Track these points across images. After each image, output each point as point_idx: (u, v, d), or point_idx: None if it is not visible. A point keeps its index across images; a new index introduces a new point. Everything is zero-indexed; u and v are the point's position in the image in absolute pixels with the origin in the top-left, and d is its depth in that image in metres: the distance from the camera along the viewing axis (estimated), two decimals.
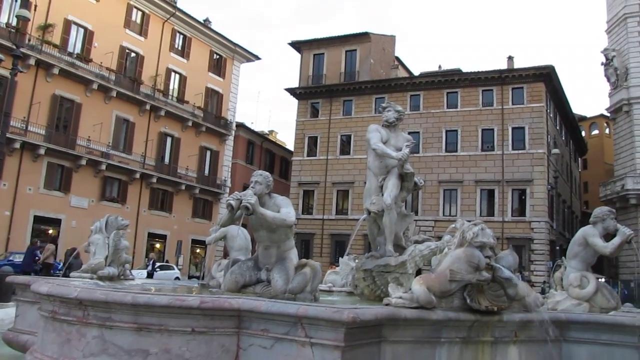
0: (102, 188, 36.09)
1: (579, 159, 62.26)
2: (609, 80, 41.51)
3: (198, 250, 43.10)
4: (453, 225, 6.10)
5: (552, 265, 20.84)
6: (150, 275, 27.27)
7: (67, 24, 34.52)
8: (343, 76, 49.29)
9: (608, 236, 7.58)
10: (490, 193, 41.53)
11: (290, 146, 54.79)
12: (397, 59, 54.53)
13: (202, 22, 44.62)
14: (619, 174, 40.12)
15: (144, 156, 38.52)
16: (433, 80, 44.81)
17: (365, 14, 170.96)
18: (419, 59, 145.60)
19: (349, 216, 43.71)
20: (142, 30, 39.63)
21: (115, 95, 36.51)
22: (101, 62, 35.77)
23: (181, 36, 42.96)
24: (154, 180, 38.91)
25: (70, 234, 32.25)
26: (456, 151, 42.92)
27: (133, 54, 38.99)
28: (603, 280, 16.02)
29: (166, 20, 41.13)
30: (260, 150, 53.46)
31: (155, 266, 32.02)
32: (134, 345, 4.54)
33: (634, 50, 39.58)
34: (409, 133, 35.90)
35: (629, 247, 8.08)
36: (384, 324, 4.75)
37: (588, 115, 69.16)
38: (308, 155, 48.15)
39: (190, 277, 38.13)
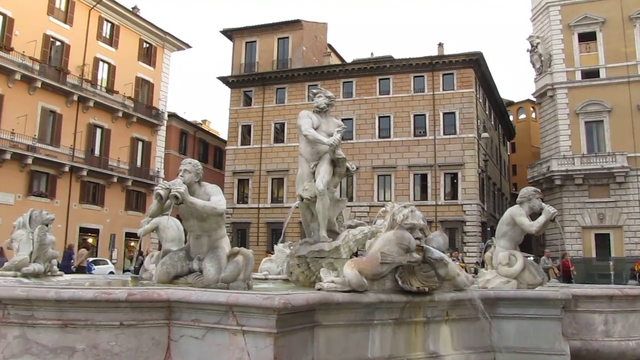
0: (29, 183, 34.64)
1: (508, 142, 64.20)
2: (534, 66, 42.87)
3: (132, 244, 42.10)
4: (383, 209, 6.16)
5: (484, 245, 21.45)
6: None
7: None
8: (276, 64, 49.04)
9: (534, 215, 7.82)
10: (423, 177, 42.34)
11: (223, 135, 54.17)
12: (330, 46, 54.62)
13: (131, 9, 43.34)
14: (545, 156, 41.63)
15: (72, 149, 37.18)
16: (365, 67, 45.13)
17: (297, 1, 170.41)
18: (351, 46, 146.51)
19: (284, 204, 43.67)
20: (67, 18, 38.08)
21: (40, 86, 34.99)
22: (24, 51, 34.15)
23: (109, 24, 41.60)
24: (84, 173, 37.66)
25: None
26: (389, 137, 43.48)
27: (58, 43, 37.46)
28: (531, 258, 16.59)
29: (92, 8, 39.69)
30: (194, 140, 52.57)
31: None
32: (59, 343, 4.39)
33: (556, 37, 41.00)
34: (342, 120, 36.21)
35: (554, 226, 8.39)
36: (316, 309, 4.76)
37: (515, 100, 71.35)
38: (242, 144, 47.77)
39: (124, 271, 37.28)
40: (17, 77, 33.48)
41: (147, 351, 4.54)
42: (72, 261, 19.35)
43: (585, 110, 39.28)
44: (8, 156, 32.61)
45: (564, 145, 39.56)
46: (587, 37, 40.47)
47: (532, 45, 42.49)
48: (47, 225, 8.58)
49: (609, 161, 37.42)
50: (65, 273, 17.70)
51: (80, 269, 19.14)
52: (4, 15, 33.81)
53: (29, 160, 33.83)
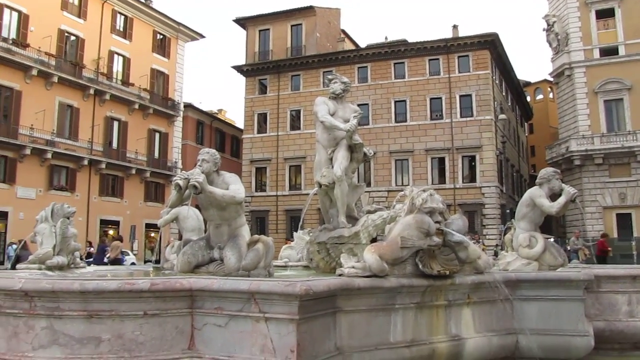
0: (49, 177, 35.05)
1: (526, 123, 63.59)
2: (550, 45, 42.30)
3: (153, 234, 42.50)
4: (402, 193, 6.13)
5: (504, 228, 21.31)
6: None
7: (0, 8, 33.12)
8: (290, 51, 48.93)
9: (554, 196, 7.74)
10: (441, 161, 42.17)
11: (240, 124, 54.30)
12: (343, 31, 54.36)
13: (143, 1, 43.41)
14: (563, 136, 41.20)
15: (91, 142, 37.53)
16: (380, 51, 44.90)
17: None
18: (365, 31, 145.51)
19: (302, 191, 43.77)
20: (81, 12, 38.27)
21: (56, 81, 35.28)
22: (39, 47, 34.41)
23: (122, 17, 41.71)
24: (103, 166, 38.01)
25: (18, 226, 31.28)
26: (406, 121, 43.31)
27: (73, 37, 37.68)
28: (552, 239, 16.46)
29: (105, 1, 39.80)
30: (210, 129, 52.75)
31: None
32: (86, 333, 4.46)
33: (573, 15, 40.37)
34: (358, 105, 35.93)
35: (574, 206, 8.30)
36: (337, 295, 4.77)
37: (532, 81, 70.49)
38: (258, 132, 47.88)
39: (146, 262, 37.63)
40: (34, 72, 33.79)
41: (171, 340, 4.59)
42: (107, 254, 19.60)
43: (604, 88, 38.74)
44: (28, 151, 33.00)
45: (583, 124, 39.09)
46: (605, 14, 39.78)
47: (548, 24, 41.90)
48: (68, 219, 8.65)
49: (630, 140, 36.92)
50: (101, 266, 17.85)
51: (116, 261, 19.28)
52: (19, 12, 34.06)
53: (49, 155, 34.22)
